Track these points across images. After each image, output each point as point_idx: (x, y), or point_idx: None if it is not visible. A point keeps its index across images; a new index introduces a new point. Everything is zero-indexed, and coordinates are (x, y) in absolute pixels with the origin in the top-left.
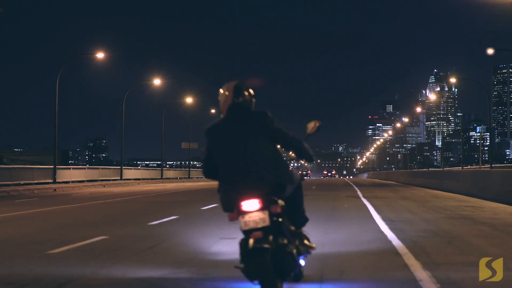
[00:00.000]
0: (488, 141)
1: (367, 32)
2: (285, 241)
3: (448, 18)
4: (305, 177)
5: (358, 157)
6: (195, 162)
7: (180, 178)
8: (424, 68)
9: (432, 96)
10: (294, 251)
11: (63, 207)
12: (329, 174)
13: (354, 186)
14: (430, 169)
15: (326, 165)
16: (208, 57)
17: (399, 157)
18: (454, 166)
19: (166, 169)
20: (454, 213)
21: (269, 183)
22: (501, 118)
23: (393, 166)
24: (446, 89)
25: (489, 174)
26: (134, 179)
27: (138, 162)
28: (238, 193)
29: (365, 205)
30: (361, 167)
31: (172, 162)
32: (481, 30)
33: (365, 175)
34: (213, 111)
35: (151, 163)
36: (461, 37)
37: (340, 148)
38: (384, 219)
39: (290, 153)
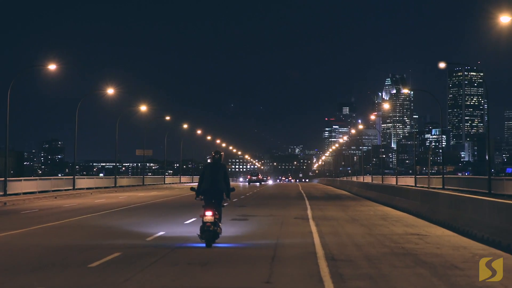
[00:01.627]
0: (444, 143)
1: (323, 33)
2: (216, 228)
3: (405, 21)
4: (263, 182)
5: (315, 159)
6: (151, 164)
7: (133, 185)
8: (380, 71)
9: (386, 103)
10: (218, 230)
11: (4, 236)
12: (286, 179)
13: (306, 199)
14: (384, 176)
15: (283, 167)
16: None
17: (355, 159)
18: (409, 168)
19: (119, 177)
20: (398, 245)
21: (220, 192)
22: (456, 120)
23: (349, 168)
24: (402, 91)
25: (438, 196)
26: (87, 188)
27: (94, 164)
28: (205, 207)
29: (311, 235)
30: (317, 171)
31: (128, 164)
32: (437, 33)
33: (315, 181)
34: (167, 118)
35: (107, 165)
36: (417, 39)
37: (297, 150)
38: (328, 257)
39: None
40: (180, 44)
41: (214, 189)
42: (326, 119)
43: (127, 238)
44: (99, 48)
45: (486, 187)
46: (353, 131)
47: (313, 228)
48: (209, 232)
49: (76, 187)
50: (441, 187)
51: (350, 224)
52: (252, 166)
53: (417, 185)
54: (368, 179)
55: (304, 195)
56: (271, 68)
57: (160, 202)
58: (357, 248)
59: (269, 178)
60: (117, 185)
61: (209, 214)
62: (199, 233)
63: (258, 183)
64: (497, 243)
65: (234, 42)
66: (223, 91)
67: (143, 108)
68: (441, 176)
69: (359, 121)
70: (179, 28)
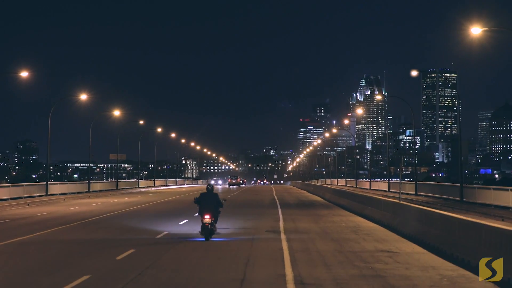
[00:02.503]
0: (418, 144)
1: (298, 34)
2: (212, 227)
3: (380, 22)
4: (242, 185)
5: (290, 160)
6: (125, 165)
7: (107, 190)
8: (355, 72)
9: (360, 109)
10: (214, 229)
11: None
12: (262, 182)
13: (279, 207)
14: (358, 180)
15: (258, 168)
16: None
17: (330, 161)
18: (383, 169)
19: (93, 182)
20: (368, 265)
21: (214, 211)
22: (430, 121)
23: (323, 169)
24: (377, 92)
25: (408, 209)
26: (60, 194)
27: (68, 165)
28: (204, 212)
29: (281, 253)
30: (291, 174)
31: (102, 165)
32: (411, 33)
33: (288, 183)
34: (141, 122)
35: (81, 166)
36: (392, 40)
37: (272, 151)
38: (297, 280)
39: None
40: (155, 44)
41: (211, 209)
42: (301, 120)
43: (96, 256)
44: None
45: (459, 195)
46: (327, 134)
47: (284, 245)
48: (207, 230)
49: (49, 193)
50: (414, 193)
51: (321, 239)
52: (226, 167)
53: (391, 190)
54: (342, 182)
55: (278, 202)
56: (247, 68)
57: (133, 211)
58: (326, 269)
59: (245, 181)
60: (90, 190)
61: (207, 216)
62: (200, 230)
63: (237, 186)
64: (466, 263)
65: (207, 41)
66: (197, 92)
67: (117, 113)
68: (414, 182)
69: (334, 122)
70: (154, 28)
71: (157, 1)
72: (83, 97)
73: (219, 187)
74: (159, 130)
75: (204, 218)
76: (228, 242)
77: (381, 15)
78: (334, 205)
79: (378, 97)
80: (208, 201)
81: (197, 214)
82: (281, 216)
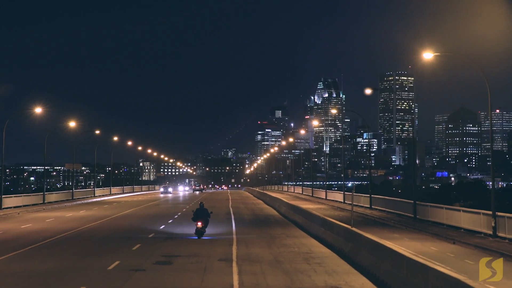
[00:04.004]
0: (375, 147)
1: (256, 35)
2: (203, 230)
3: (337, 25)
4: (204, 191)
5: (248, 163)
6: (82, 168)
7: (63, 200)
8: (313, 74)
9: (316, 120)
10: (204, 231)
11: None
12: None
13: (233, 226)
14: (314, 189)
15: (216, 171)
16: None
17: (287, 163)
18: (341, 172)
19: (48, 193)
20: None
21: (204, 220)
22: (388, 124)
23: (281, 172)
24: (334, 95)
25: (360, 238)
26: (15, 207)
27: (25, 168)
28: (197, 220)
29: None
30: (248, 180)
31: (59, 167)
32: (369, 37)
33: (243, 189)
34: (97, 132)
35: (38, 169)
36: (349, 43)
37: (230, 153)
38: None
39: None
40: (109, 56)
41: (203, 217)
42: (259, 122)
43: None
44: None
45: (412, 211)
46: (284, 142)
47: (235, 279)
48: (200, 232)
49: (3, 207)
50: (368, 206)
51: (272, 269)
52: (184, 170)
53: (346, 201)
54: (298, 189)
55: (233, 217)
56: (203, 69)
57: (86, 231)
58: None
59: (205, 187)
60: (45, 202)
61: (199, 224)
62: (194, 232)
63: (199, 191)
64: None
65: (167, 45)
66: (153, 98)
67: (72, 124)
68: (368, 195)
69: (292, 124)
70: (106, 42)
71: (108, 10)
72: (38, 110)
73: (180, 193)
74: (115, 138)
75: (197, 224)
76: (182, 275)
77: (339, 19)
78: (288, 221)
79: (334, 111)
80: (201, 214)
81: (151, 235)
82: (235, 238)
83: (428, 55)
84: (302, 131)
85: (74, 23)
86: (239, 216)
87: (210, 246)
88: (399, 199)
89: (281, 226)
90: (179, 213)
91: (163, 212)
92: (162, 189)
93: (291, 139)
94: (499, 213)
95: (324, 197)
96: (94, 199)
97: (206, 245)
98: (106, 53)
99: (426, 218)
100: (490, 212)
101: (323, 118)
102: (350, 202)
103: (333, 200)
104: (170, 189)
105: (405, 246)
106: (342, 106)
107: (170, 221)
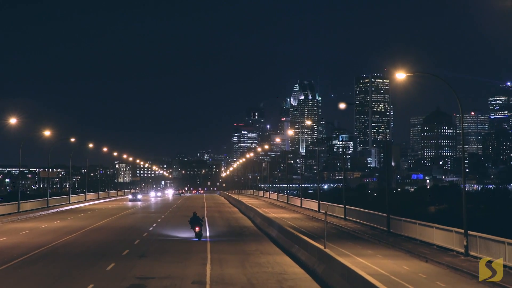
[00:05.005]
0: (351, 149)
1: (233, 37)
2: (201, 233)
3: (313, 27)
4: (182, 195)
5: (224, 165)
6: (58, 169)
7: (38, 208)
8: (289, 77)
9: (291, 130)
10: (202, 234)
11: None
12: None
13: (208, 239)
14: (290, 196)
15: (192, 172)
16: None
17: (263, 165)
18: (316, 174)
19: (23, 202)
20: None
21: (200, 225)
22: (363, 127)
23: (257, 174)
24: (310, 97)
25: (333, 261)
26: None
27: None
28: (195, 226)
29: None
30: (224, 185)
31: (35, 169)
32: (345, 40)
33: (218, 193)
34: (72, 139)
35: (13, 170)
36: (325, 46)
37: (206, 155)
38: None
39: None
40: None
41: (198, 224)
42: (235, 124)
43: None
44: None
45: (386, 225)
46: (260, 148)
47: None
48: (199, 234)
49: None
50: (343, 217)
51: None
52: (160, 172)
53: (321, 210)
54: (274, 195)
55: (208, 229)
56: (181, 70)
57: (62, 245)
58: None
59: (183, 191)
60: (20, 210)
61: (197, 228)
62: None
63: (178, 195)
64: None
65: (143, 49)
66: (128, 105)
67: (47, 133)
68: (343, 206)
69: (268, 126)
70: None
71: (78, 19)
72: (13, 120)
73: (151, 199)
74: (90, 145)
75: (195, 229)
76: None
77: (316, 21)
78: (263, 234)
79: (308, 122)
80: (195, 221)
81: (125, 252)
82: (209, 256)
83: (400, 75)
84: (278, 139)
85: (48, 33)
86: (215, 228)
87: (184, 265)
88: (373, 211)
89: (256, 241)
90: (154, 225)
91: (138, 223)
92: (130, 196)
93: (266, 146)
94: (471, 232)
95: (299, 205)
96: (69, 207)
97: (180, 263)
98: (83, 65)
99: (399, 232)
100: (462, 231)
101: (299, 120)
102: (325, 211)
103: (308, 209)
104: (139, 196)
105: (378, 264)
106: (318, 108)
107: (145, 234)
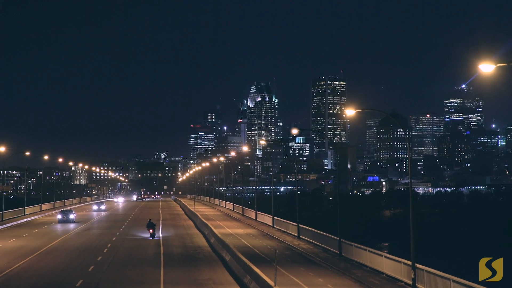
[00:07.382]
0: (308, 151)
1: (189, 38)
2: (154, 233)
3: (270, 28)
4: (149, 199)
5: (181, 166)
6: (13, 171)
7: None
8: (246, 78)
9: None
10: (155, 235)
11: None
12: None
13: (162, 268)
14: (245, 208)
15: (149, 174)
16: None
17: (220, 168)
18: (275, 176)
19: None
20: None
21: (154, 227)
22: (320, 128)
23: (214, 177)
24: (267, 99)
25: None
26: None
27: None
28: (149, 228)
29: None
30: (180, 192)
31: None
32: (302, 42)
33: (173, 197)
34: (27, 153)
35: None
36: (282, 47)
37: (162, 157)
38: None
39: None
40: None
41: (152, 227)
42: (192, 125)
43: None
44: None
45: (337, 247)
46: (220, 155)
47: None
48: (152, 235)
49: None
50: (296, 235)
51: None
52: (115, 174)
53: (275, 226)
54: (230, 205)
55: (162, 254)
56: (137, 73)
57: (16, 274)
58: None
59: (145, 197)
60: None
61: (151, 231)
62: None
63: (140, 200)
64: None
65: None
66: (91, 99)
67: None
68: (296, 224)
69: (225, 128)
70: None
71: (30, 31)
72: None
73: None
74: (46, 157)
75: (150, 231)
76: None
77: (272, 23)
78: (217, 258)
79: (262, 142)
80: (150, 225)
81: (79, 283)
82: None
83: (350, 112)
84: (243, 148)
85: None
86: (169, 251)
87: None
88: (325, 234)
89: (209, 268)
90: (108, 245)
91: (93, 242)
92: (59, 216)
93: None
94: (418, 266)
95: (254, 218)
96: (25, 219)
97: None
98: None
99: (350, 257)
100: (410, 263)
101: (256, 122)
102: (279, 228)
103: (262, 223)
104: (72, 216)
105: None
106: (275, 110)
107: (99, 258)
